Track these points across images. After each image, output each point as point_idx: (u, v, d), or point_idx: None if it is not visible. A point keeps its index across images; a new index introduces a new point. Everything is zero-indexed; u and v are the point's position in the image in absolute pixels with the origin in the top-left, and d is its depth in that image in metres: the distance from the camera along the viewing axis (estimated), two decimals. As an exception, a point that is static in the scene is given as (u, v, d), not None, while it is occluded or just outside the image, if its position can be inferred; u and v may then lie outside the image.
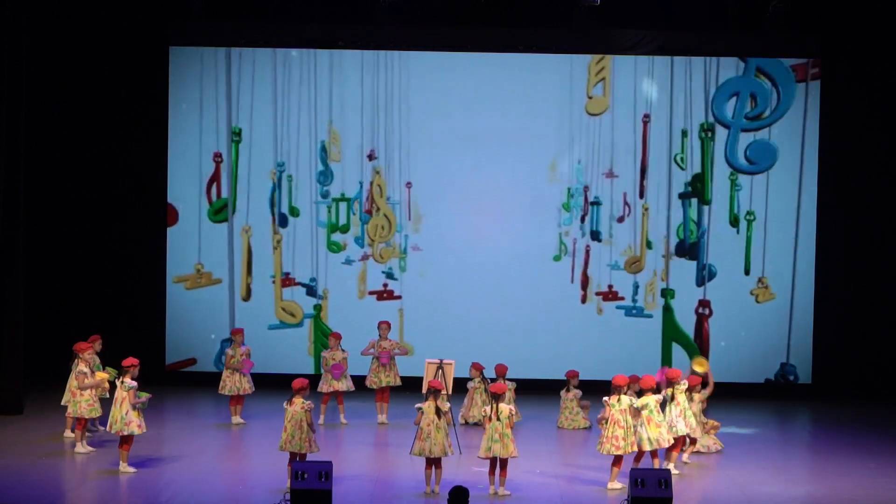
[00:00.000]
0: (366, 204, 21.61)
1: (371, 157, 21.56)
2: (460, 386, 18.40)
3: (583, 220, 21.56)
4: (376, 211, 21.63)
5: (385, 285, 21.65)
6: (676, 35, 21.47)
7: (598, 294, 21.61)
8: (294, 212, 21.62)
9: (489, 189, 21.60)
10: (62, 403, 16.77)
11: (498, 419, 14.39)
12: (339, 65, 21.52)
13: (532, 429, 18.02)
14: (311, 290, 21.64)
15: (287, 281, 21.63)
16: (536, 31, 21.51)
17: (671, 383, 15.65)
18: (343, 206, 21.67)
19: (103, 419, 16.13)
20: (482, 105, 21.54)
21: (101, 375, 16.11)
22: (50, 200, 21.33)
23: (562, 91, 21.49)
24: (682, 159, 21.58)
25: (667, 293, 21.64)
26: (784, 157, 21.60)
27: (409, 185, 21.55)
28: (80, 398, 16.12)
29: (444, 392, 14.82)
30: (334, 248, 21.64)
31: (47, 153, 21.11)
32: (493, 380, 18.55)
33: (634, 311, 21.64)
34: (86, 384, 16.10)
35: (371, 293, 21.65)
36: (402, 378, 18.79)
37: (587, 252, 21.60)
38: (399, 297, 21.58)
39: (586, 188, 21.55)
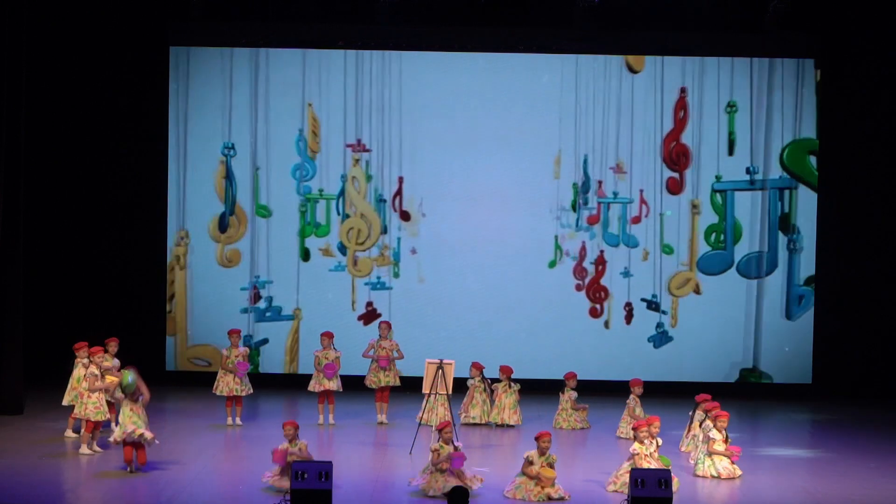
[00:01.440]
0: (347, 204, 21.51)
1: (356, 148, 21.33)
2: (460, 386, 18.39)
3: (587, 221, 21.54)
4: (353, 212, 21.41)
5: (369, 304, 21.37)
6: (676, 35, 21.47)
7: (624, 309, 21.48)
8: (262, 211, 21.48)
9: (489, 190, 21.56)
10: (64, 403, 16.76)
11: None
12: (340, 65, 21.50)
13: (532, 430, 17.91)
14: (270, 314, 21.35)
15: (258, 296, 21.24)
16: (536, 31, 21.51)
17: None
18: (320, 205, 21.47)
19: (107, 421, 16.21)
20: (482, 106, 21.51)
21: (111, 379, 16.07)
22: (50, 201, 21.32)
23: (562, 91, 21.48)
24: (731, 134, 21.44)
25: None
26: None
27: (400, 178, 21.36)
28: (87, 400, 16.05)
29: (448, 430, 14.53)
30: (307, 255, 21.55)
31: (47, 154, 21.11)
32: (494, 380, 18.57)
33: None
34: (96, 386, 16.05)
35: (359, 318, 21.36)
36: (403, 378, 18.78)
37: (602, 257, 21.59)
38: (379, 316, 21.12)
39: (584, 183, 21.52)
